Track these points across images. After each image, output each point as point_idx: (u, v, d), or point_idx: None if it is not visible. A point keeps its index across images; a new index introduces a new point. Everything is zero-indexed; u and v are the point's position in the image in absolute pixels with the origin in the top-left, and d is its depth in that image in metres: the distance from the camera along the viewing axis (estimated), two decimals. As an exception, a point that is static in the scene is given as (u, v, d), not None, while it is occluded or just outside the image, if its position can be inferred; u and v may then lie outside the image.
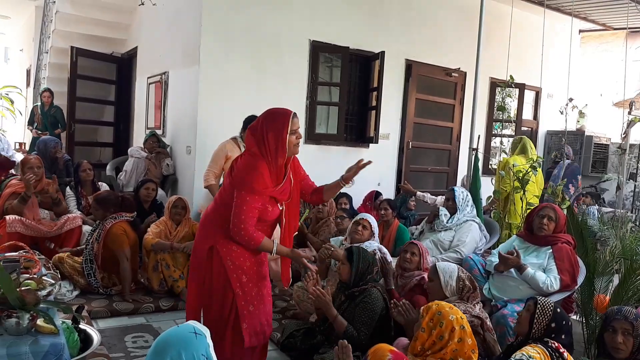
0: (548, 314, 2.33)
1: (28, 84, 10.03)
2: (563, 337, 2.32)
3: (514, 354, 2.30)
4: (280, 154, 2.38)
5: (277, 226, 2.66)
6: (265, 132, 2.37)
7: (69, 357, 2.10)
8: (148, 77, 6.33)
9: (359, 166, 2.62)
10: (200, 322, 2.46)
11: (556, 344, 2.26)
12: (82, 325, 2.68)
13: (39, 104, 7.19)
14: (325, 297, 2.93)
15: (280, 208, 2.54)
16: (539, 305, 2.35)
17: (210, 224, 2.50)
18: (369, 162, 2.62)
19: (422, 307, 2.20)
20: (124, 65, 7.46)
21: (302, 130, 5.51)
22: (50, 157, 5.30)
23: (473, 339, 2.08)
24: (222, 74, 5.10)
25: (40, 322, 2.13)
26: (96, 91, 7.37)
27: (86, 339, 2.59)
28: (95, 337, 2.61)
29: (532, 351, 2.23)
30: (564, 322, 2.34)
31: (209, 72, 5.05)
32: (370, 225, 3.71)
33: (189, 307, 2.59)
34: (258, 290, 2.52)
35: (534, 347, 2.26)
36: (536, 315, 2.33)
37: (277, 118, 2.40)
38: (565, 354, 2.23)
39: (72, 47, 6.94)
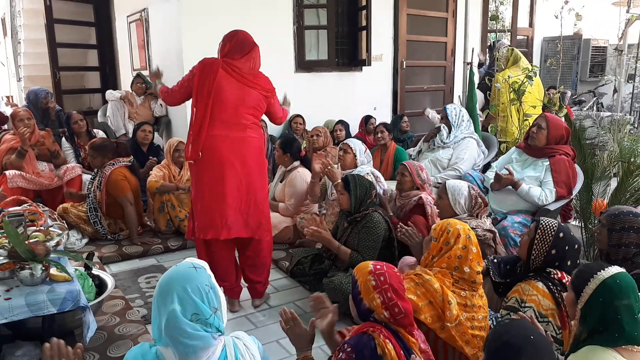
0: (548, 241, 2.12)
1: (5, 34, 9.63)
2: (569, 263, 2.12)
3: (507, 295, 2.18)
4: None
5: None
6: None
7: (86, 302, 2.17)
8: (127, 16, 6.07)
9: None
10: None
11: (559, 274, 2.10)
12: (95, 271, 2.76)
13: None
14: (322, 233, 3.00)
15: None
16: (539, 231, 2.15)
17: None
18: None
19: (432, 227, 2.24)
20: (100, 5, 7.11)
21: (291, 58, 5.44)
22: (41, 108, 5.18)
23: (478, 249, 2.11)
24: (203, 5, 4.87)
25: (53, 271, 2.19)
26: (76, 35, 7.08)
27: (101, 284, 2.68)
28: (110, 281, 2.70)
29: (528, 293, 2.06)
30: (566, 248, 2.11)
31: (190, 4, 4.83)
32: (351, 149, 3.70)
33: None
34: None
35: (530, 285, 2.09)
36: (535, 242, 2.15)
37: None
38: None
39: (44, -10, 6.59)
